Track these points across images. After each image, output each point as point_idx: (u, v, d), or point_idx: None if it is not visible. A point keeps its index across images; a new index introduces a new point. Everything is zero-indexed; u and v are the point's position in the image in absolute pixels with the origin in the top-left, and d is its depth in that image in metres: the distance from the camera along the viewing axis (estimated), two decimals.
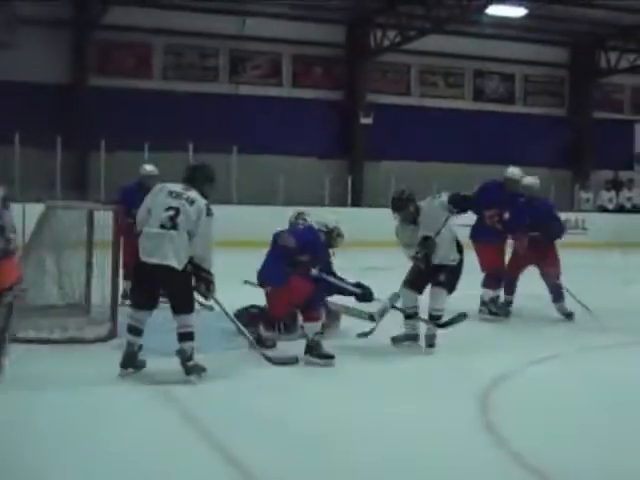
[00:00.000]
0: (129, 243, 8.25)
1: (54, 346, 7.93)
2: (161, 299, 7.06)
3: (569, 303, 10.08)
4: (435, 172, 23.60)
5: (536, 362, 7.86)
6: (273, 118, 22.84)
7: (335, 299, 8.46)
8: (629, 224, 23.39)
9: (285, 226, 8.67)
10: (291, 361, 7.53)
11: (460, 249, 8.20)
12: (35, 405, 6.09)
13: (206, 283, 6.93)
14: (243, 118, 22.43)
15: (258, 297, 8.40)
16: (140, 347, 6.97)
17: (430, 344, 8.10)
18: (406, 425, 5.90)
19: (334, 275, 8.20)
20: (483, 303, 10.13)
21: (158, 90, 22.34)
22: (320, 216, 8.45)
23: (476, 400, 6.48)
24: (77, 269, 9.03)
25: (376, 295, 8.21)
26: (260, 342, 7.83)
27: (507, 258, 10.37)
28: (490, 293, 10.13)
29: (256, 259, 8.34)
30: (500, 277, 10.14)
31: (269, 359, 7.45)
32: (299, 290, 7.62)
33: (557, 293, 10.01)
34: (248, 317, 8.26)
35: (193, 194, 6.90)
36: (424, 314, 8.23)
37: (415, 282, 8.13)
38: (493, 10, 20.95)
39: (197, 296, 7.15)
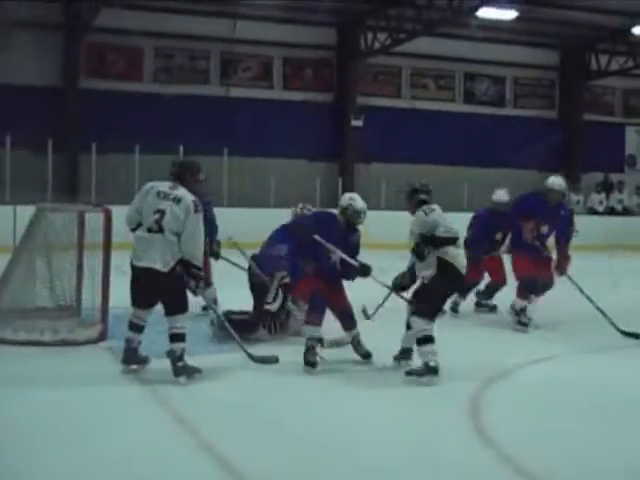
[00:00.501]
0: None
1: (45, 348, 7.93)
2: None
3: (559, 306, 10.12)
4: (426, 174, 23.50)
5: (528, 364, 7.89)
6: (264, 120, 22.81)
7: None
8: (619, 226, 23.42)
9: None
10: (271, 360, 7.55)
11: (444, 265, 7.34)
12: (25, 406, 6.09)
13: (195, 279, 6.99)
14: (234, 120, 22.39)
15: (248, 300, 8.44)
16: (139, 343, 7.11)
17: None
18: (397, 428, 5.92)
19: (355, 259, 7.80)
20: (515, 313, 9.84)
21: (149, 93, 22.28)
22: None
23: (468, 401, 6.50)
24: (68, 271, 9.03)
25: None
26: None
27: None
28: (522, 303, 9.81)
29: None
30: (533, 287, 9.77)
31: (251, 357, 7.48)
32: (304, 289, 7.76)
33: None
34: (236, 322, 8.28)
35: (180, 192, 6.98)
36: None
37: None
38: (484, 13, 20.94)
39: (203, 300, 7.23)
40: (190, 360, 7.04)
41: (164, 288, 6.94)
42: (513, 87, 26.87)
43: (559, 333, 9.62)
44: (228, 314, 8.58)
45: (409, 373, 7.17)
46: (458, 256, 7.40)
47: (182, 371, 6.92)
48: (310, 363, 7.44)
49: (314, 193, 21.62)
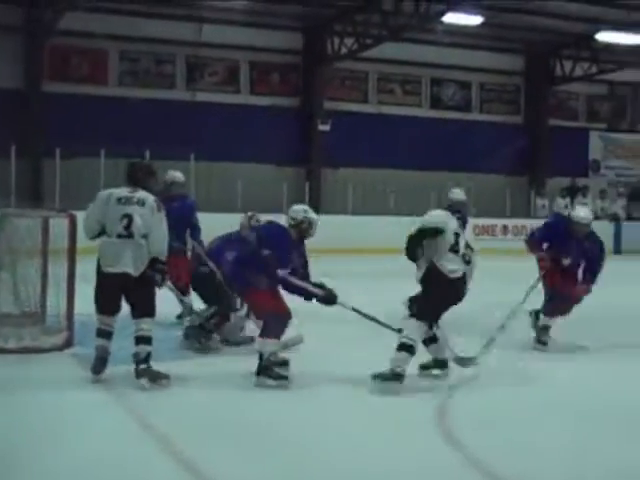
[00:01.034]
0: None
1: (8, 355, 7.83)
2: None
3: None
4: (392, 179, 23.70)
5: (501, 367, 7.87)
6: (230, 125, 22.78)
7: None
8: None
9: None
10: (246, 341, 7.66)
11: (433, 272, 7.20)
12: None
13: (161, 273, 7.06)
14: (200, 125, 22.32)
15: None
16: (109, 353, 7.05)
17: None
18: (364, 430, 5.90)
19: (307, 275, 7.57)
20: (538, 329, 9.12)
21: (114, 96, 22.15)
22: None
23: (436, 405, 6.50)
24: (33, 277, 8.92)
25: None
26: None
27: None
28: (549, 320, 9.06)
29: None
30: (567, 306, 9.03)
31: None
32: (262, 304, 7.32)
33: None
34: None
35: (142, 194, 7.05)
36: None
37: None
38: (449, 18, 21.04)
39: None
40: (159, 366, 7.00)
41: (135, 291, 6.96)
42: (479, 92, 27.04)
43: (525, 339, 9.57)
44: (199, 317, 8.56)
45: (375, 376, 7.01)
46: (453, 263, 7.18)
47: (144, 373, 6.89)
48: (280, 376, 7.09)
49: (281, 198, 21.59)
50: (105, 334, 7.06)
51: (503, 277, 13.60)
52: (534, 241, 9.26)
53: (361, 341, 8.52)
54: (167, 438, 5.58)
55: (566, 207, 25.48)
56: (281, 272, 7.18)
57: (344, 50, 23.23)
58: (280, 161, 23.75)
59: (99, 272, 7.00)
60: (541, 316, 9.11)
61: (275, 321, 7.18)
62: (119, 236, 6.91)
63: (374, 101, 25.66)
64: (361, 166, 24.01)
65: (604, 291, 9.25)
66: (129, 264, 6.87)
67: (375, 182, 23.49)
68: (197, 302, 9.07)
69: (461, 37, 23.99)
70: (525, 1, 21.66)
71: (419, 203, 22.70)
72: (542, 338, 9.03)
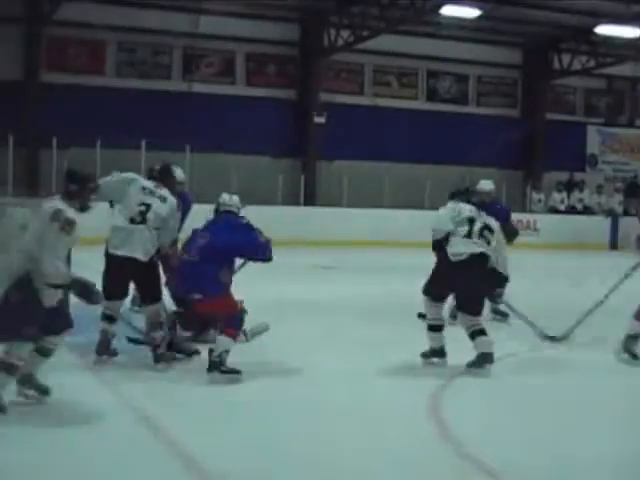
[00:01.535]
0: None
1: None
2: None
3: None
4: (388, 172, 23.70)
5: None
6: (226, 116, 22.76)
7: None
8: (580, 225, 23.64)
9: None
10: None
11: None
12: None
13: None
14: (196, 116, 22.32)
15: None
16: (114, 335, 7.39)
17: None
18: (357, 422, 5.94)
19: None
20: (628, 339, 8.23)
21: (111, 87, 22.13)
22: None
23: (430, 397, 6.53)
24: None
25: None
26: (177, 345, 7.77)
27: None
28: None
29: None
30: None
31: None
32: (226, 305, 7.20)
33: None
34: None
35: (165, 192, 7.41)
36: None
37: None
38: (447, 11, 21.03)
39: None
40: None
41: (144, 277, 7.25)
42: (476, 85, 26.99)
43: (514, 332, 9.57)
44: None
45: (470, 365, 7.44)
46: (459, 247, 7.58)
47: (162, 358, 7.22)
48: (232, 371, 6.96)
49: (276, 190, 21.60)
50: (109, 318, 7.33)
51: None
52: None
53: (353, 331, 8.55)
54: (163, 430, 5.61)
55: (562, 202, 25.44)
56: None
57: (340, 42, 23.20)
58: (276, 153, 23.73)
59: (107, 255, 7.29)
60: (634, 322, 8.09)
61: (237, 319, 7.18)
62: (132, 221, 7.20)
63: (370, 93, 25.62)
64: (357, 158, 24.00)
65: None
66: (137, 249, 7.13)
67: (370, 174, 23.49)
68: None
69: (458, 30, 23.93)
70: None
71: (414, 196, 22.84)
72: (632, 349, 8.09)
